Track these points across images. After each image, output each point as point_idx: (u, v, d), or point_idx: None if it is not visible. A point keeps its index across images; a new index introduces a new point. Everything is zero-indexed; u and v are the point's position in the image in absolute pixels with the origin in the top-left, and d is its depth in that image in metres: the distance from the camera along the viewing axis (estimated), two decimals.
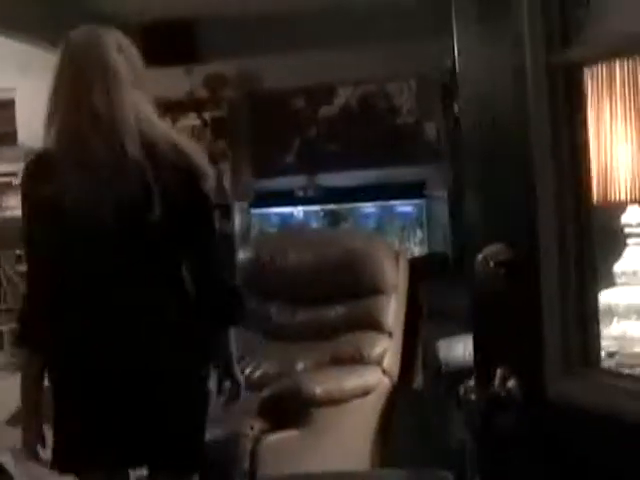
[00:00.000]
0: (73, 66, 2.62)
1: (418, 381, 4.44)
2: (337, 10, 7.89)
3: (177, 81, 7.76)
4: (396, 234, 8.04)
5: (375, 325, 4.29)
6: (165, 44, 7.84)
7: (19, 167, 8.39)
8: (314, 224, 8.13)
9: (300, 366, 4.25)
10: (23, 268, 8.38)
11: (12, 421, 6.58)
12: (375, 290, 4.35)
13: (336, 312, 4.44)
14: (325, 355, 4.25)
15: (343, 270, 4.44)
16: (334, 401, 3.86)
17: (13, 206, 8.88)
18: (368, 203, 8.13)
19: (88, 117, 2.54)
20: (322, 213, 8.17)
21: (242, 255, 4.84)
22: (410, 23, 7.88)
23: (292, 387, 3.79)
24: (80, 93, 2.57)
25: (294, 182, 8.26)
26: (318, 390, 3.79)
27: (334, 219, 8.11)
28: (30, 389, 2.63)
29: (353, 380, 4.00)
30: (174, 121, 7.45)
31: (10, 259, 8.25)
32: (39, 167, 2.61)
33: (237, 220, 8.33)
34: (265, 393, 3.80)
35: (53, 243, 2.57)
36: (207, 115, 8.29)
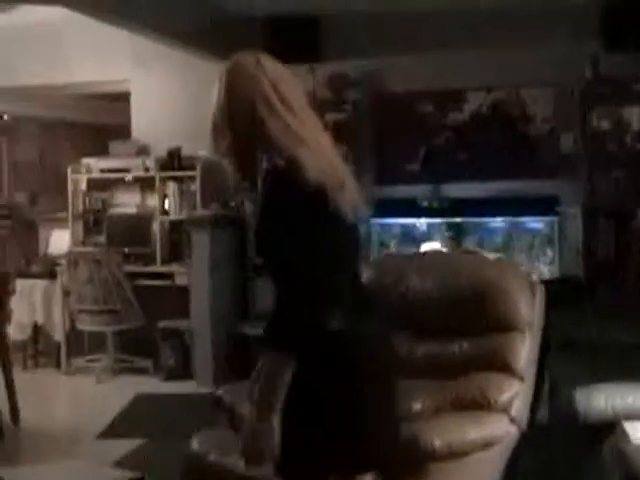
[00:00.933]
0: None
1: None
2: (467, 11, 7.46)
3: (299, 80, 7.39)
4: (524, 252, 7.51)
5: (504, 366, 3.79)
6: (289, 41, 7.54)
7: (132, 163, 8.30)
8: (437, 238, 7.65)
9: (417, 407, 3.78)
10: (131, 268, 8.29)
11: (106, 434, 6.36)
12: (507, 327, 3.86)
13: (460, 348, 3.97)
14: (445, 396, 3.79)
15: (472, 301, 3.96)
16: (454, 454, 3.40)
17: (125, 203, 8.65)
18: (496, 217, 7.60)
19: None
20: (446, 226, 7.68)
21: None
22: (548, 27, 7.41)
23: (409, 438, 3.33)
24: None
25: (418, 191, 7.78)
26: (437, 443, 3.33)
27: (459, 233, 7.61)
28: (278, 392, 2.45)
29: (477, 430, 3.52)
30: None
31: (117, 258, 8.01)
32: None
33: None
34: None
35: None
36: (328, 117, 7.90)
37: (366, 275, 4.22)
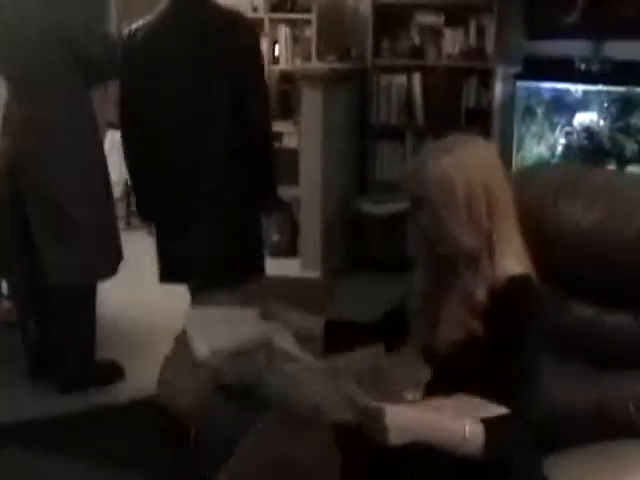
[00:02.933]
0: None
1: None
2: None
3: None
4: None
5: None
6: None
7: (239, 1, 7.07)
8: (594, 108, 6.33)
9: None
10: None
11: None
12: None
13: (617, 323, 2.77)
14: (579, 395, 2.67)
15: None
16: None
17: None
18: None
19: None
20: (607, 96, 6.32)
21: None
22: None
23: None
24: None
25: (575, 49, 6.39)
26: None
27: (622, 106, 6.25)
28: None
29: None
30: None
31: None
32: None
33: (498, 90, 6.68)
34: None
35: None
36: None
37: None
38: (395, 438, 2.00)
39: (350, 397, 2.03)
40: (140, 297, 5.96)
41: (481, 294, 2.23)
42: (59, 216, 4.40)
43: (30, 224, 4.42)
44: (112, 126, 7.44)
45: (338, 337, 2.55)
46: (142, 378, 4.50)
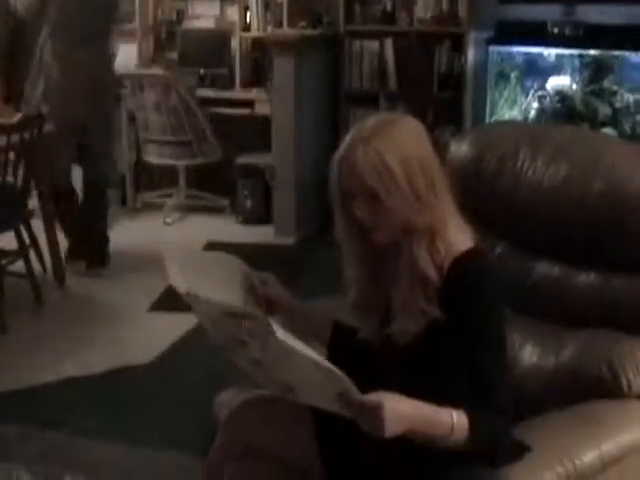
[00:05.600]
0: None
1: None
2: None
3: None
4: None
5: None
6: None
7: None
8: (567, 72, 6.31)
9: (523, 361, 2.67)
10: (205, 93, 7.18)
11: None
12: None
13: (588, 280, 2.72)
14: (550, 357, 2.65)
15: (607, 217, 2.62)
16: None
17: (203, 15, 7.46)
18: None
19: None
20: (580, 59, 6.31)
21: (454, 148, 3.11)
22: None
23: None
24: None
25: (547, 13, 6.34)
26: None
27: (595, 69, 6.23)
28: None
29: (597, 444, 2.29)
30: None
31: (190, 81, 6.96)
32: None
33: (471, 55, 6.64)
34: None
35: None
36: None
37: (460, 149, 3.01)
38: (391, 430, 1.96)
39: (345, 391, 1.95)
40: None
41: (434, 276, 2.11)
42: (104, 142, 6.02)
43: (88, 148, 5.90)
44: None
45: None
46: None
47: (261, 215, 6.92)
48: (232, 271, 2.31)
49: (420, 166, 2.11)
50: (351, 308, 2.32)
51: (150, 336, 4.85)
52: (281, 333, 1.91)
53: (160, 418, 3.96)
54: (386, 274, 2.22)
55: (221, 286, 2.21)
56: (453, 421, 2.02)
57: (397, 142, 2.11)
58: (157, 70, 7.05)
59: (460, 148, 2.97)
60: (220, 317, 2.07)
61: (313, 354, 1.94)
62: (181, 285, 2.10)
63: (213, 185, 7.24)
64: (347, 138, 2.15)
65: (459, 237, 2.18)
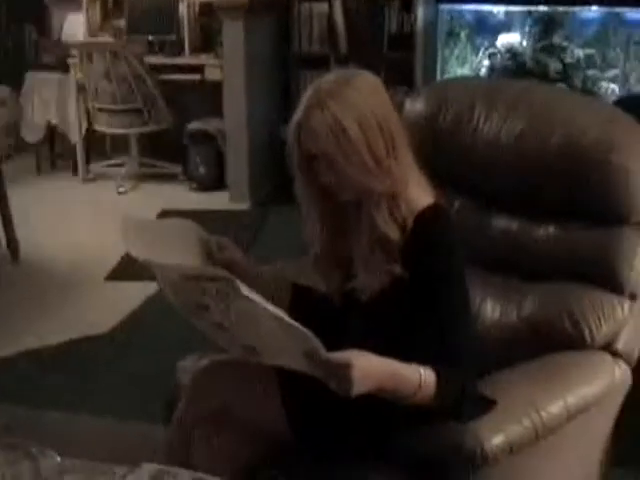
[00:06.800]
0: None
1: None
2: None
3: None
4: (621, 49, 6.14)
5: (606, 277, 2.62)
6: None
7: None
8: (517, 29, 6.30)
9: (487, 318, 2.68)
10: (155, 60, 7.07)
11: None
12: (617, 219, 2.61)
13: (546, 233, 2.66)
14: (512, 311, 2.65)
15: (565, 169, 2.58)
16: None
17: None
18: (589, 5, 6.16)
19: None
20: (530, 16, 6.30)
21: (408, 106, 3.09)
22: None
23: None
24: None
25: None
26: (489, 445, 2.09)
27: (545, 25, 6.24)
28: None
29: (563, 395, 2.31)
30: None
31: (139, 48, 6.85)
32: None
33: (420, 14, 6.60)
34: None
35: None
36: None
37: (414, 106, 2.98)
38: (358, 389, 1.94)
39: (311, 349, 1.92)
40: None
41: (395, 235, 2.10)
42: None
43: None
44: (32, 68, 7.32)
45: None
46: None
47: (215, 181, 6.89)
48: (189, 237, 2.29)
49: (379, 127, 2.08)
50: (313, 264, 2.31)
51: (108, 305, 4.82)
52: (246, 289, 1.89)
53: (121, 387, 3.94)
54: (347, 233, 2.21)
55: (179, 252, 2.19)
56: (421, 378, 2.01)
57: (354, 103, 2.06)
58: (105, 38, 6.97)
59: (415, 106, 2.94)
60: (180, 281, 2.04)
61: (278, 311, 1.92)
62: (139, 252, 2.08)
63: (165, 152, 7.20)
64: (304, 99, 2.11)
65: (420, 194, 2.16)
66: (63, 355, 4.24)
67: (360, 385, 1.95)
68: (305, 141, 2.09)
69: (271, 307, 1.92)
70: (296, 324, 1.92)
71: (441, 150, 2.85)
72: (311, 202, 2.22)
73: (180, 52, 7.08)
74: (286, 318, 1.92)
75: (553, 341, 2.50)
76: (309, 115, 2.07)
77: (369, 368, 1.97)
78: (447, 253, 2.13)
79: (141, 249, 2.10)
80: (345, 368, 1.93)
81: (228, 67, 6.51)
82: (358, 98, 2.08)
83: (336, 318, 2.26)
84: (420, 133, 2.84)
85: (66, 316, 4.70)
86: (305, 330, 1.91)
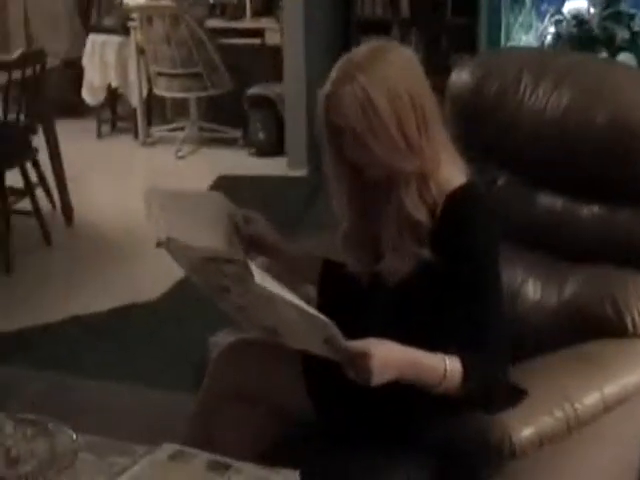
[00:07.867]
0: None
1: None
2: None
3: None
4: None
5: None
6: None
7: None
8: None
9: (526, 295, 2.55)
10: (215, 23, 7.04)
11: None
12: None
13: (591, 214, 2.54)
14: (553, 293, 2.52)
15: (612, 147, 2.43)
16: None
17: None
18: None
19: None
20: None
21: (454, 77, 2.93)
22: None
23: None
24: None
25: None
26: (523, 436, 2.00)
27: None
28: None
29: (600, 385, 2.17)
30: None
31: (199, 11, 6.81)
32: None
33: None
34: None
35: None
36: None
37: (460, 77, 2.84)
38: (377, 380, 1.89)
39: (330, 337, 1.87)
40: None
41: (424, 218, 2.00)
42: None
43: None
44: (93, 29, 7.30)
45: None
46: None
47: (274, 147, 6.82)
48: (216, 210, 2.22)
49: (411, 103, 1.98)
50: (342, 241, 2.23)
51: (157, 274, 4.79)
52: (259, 278, 1.82)
53: (159, 357, 3.92)
54: (375, 213, 2.12)
55: (204, 227, 2.13)
56: (446, 367, 1.94)
57: (385, 77, 1.97)
58: (166, 1, 6.91)
59: (460, 76, 2.83)
60: (201, 262, 1.99)
61: (295, 299, 1.85)
62: (161, 229, 2.02)
63: (225, 117, 7.14)
64: (333, 71, 2.02)
65: (453, 174, 2.07)
66: (107, 323, 4.24)
67: (380, 375, 1.89)
68: (333, 115, 2.01)
69: (288, 295, 1.85)
70: (315, 312, 1.86)
71: (485, 123, 2.75)
72: (340, 179, 2.13)
73: (241, 16, 7.01)
74: (304, 306, 1.86)
75: (593, 327, 2.39)
76: (337, 88, 1.99)
77: (389, 358, 1.91)
78: (477, 235, 2.03)
79: (164, 225, 2.04)
80: (364, 358, 1.87)
81: (288, 32, 6.42)
82: (390, 72, 1.98)
83: (363, 299, 2.19)
84: (464, 104, 2.76)
85: (115, 283, 4.69)
86: (324, 318, 1.85)
